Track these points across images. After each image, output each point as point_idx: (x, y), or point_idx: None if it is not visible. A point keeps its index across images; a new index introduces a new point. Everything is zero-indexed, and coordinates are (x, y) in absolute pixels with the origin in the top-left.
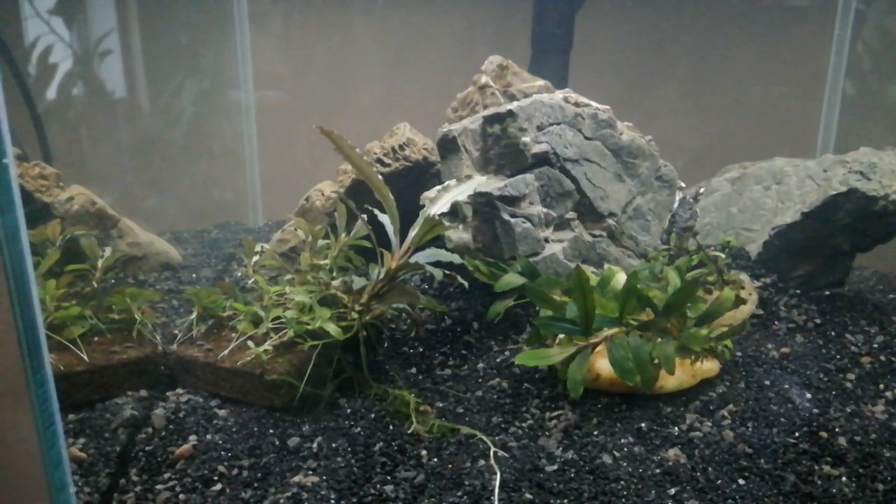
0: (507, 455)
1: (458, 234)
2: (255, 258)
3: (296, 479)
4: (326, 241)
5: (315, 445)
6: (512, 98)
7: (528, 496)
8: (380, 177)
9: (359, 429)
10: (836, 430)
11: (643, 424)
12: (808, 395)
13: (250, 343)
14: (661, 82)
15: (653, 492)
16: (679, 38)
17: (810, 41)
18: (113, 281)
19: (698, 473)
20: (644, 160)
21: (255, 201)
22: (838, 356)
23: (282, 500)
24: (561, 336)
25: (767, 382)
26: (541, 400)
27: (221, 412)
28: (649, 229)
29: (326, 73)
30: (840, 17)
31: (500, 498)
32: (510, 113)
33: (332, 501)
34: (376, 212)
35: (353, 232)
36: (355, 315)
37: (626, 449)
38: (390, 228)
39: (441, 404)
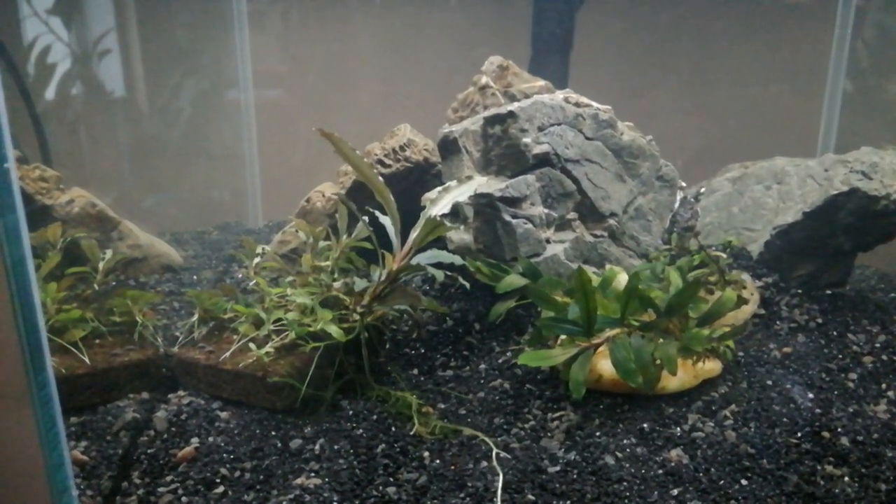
0: (509, 456)
1: (460, 235)
2: (256, 260)
3: (298, 481)
4: (327, 243)
5: (317, 447)
6: (512, 99)
7: (531, 497)
8: (380, 178)
9: (361, 430)
10: (839, 429)
11: (645, 425)
12: (811, 395)
13: (252, 345)
14: (661, 82)
15: (655, 493)
16: (679, 38)
17: (811, 39)
18: (114, 283)
19: (701, 474)
20: (645, 160)
21: (255, 202)
22: (840, 356)
23: (284, 503)
24: (563, 337)
25: (769, 382)
26: (543, 401)
27: (223, 414)
28: (650, 229)
29: (326, 72)
30: (840, 16)
31: (503, 499)
32: (511, 114)
33: (335, 503)
34: (377, 213)
35: (354, 233)
36: (357, 317)
37: (628, 450)
38: (391, 230)
39: (443, 405)
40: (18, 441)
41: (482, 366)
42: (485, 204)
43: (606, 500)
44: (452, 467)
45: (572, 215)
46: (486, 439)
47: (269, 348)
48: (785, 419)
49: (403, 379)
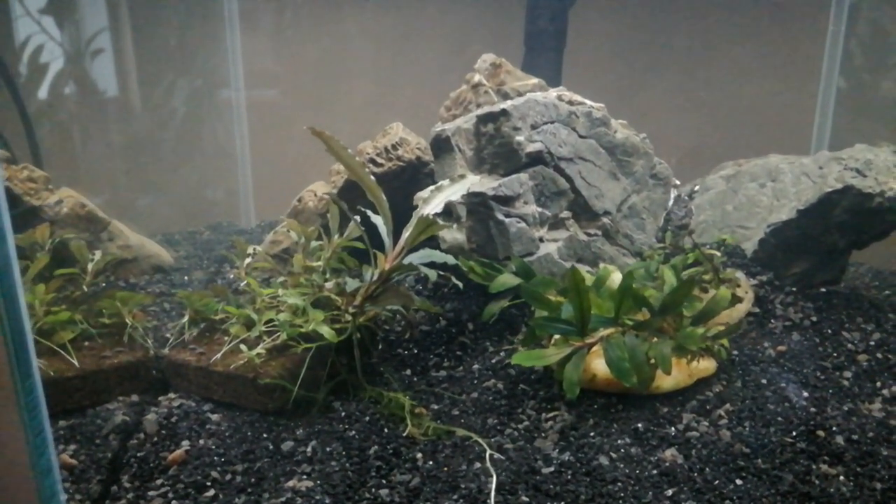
0: (502, 457)
1: (453, 234)
2: (248, 260)
3: (290, 483)
4: (319, 243)
5: (309, 449)
6: (505, 97)
7: (525, 499)
8: (372, 177)
9: (353, 432)
10: (834, 428)
11: (640, 425)
12: (805, 394)
13: (243, 346)
14: (655, 80)
15: (650, 493)
16: (673, 36)
17: (805, 37)
18: (104, 284)
19: (695, 474)
20: (639, 158)
21: (247, 202)
22: (835, 354)
23: None
24: (556, 336)
25: (764, 381)
26: (537, 401)
27: (214, 416)
28: (644, 228)
29: (319, 72)
30: (834, 13)
31: (497, 501)
32: (504, 112)
33: None
34: (369, 213)
35: (346, 233)
36: (349, 317)
37: (622, 450)
38: (383, 229)
39: (436, 406)
40: (5, 446)
41: (475, 366)
42: (478, 203)
43: (601, 500)
44: (446, 469)
45: (566, 214)
46: (480, 440)
47: (260, 349)
48: (780, 418)
49: (396, 380)
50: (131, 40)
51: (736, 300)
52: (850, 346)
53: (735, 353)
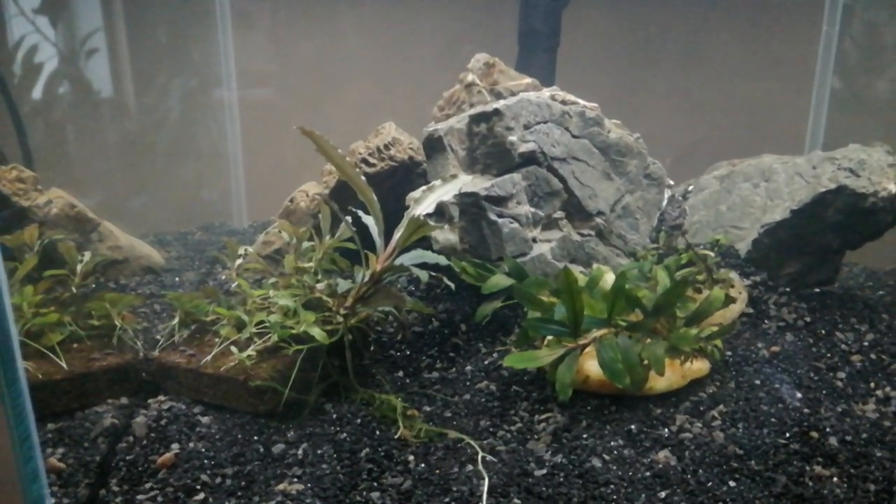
0: (495, 459)
1: (445, 234)
2: (239, 261)
3: (280, 486)
4: (311, 244)
5: (300, 452)
6: (499, 96)
7: (517, 501)
8: (363, 178)
9: (345, 434)
10: (827, 429)
11: (633, 426)
12: (799, 395)
13: (233, 348)
14: (650, 80)
15: (643, 495)
16: (667, 35)
17: (799, 37)
18: (94, 286)
19: (689, 476)
20: (632, 158)
21: (239, 202)
22: (829, 355)
23: None
24: (549, 338)
25: (758, 382)
26: (530, 402)
27: (204, 419)
28: (638, 228)
29: (313, 71)
30: (828, 13)
31: (489, 503)
32: (496, 112)
33: None
34: (360, 213)
35: (338, 234)
36: (340, 319)
37: (615, 452)
38: (374, 230)
39: (428, 408)
40: None
41: (468, 367)
42: (470, 203)
43: (593, 503)
44: (437, 471)
45: (559, 214)
46: (472, 442)
47: (250, 351)
48: (773, 419)
49: (388, 381)
50: (124, 40)
51: (729, 301)
52: (843, 346)
53: (729, 353)
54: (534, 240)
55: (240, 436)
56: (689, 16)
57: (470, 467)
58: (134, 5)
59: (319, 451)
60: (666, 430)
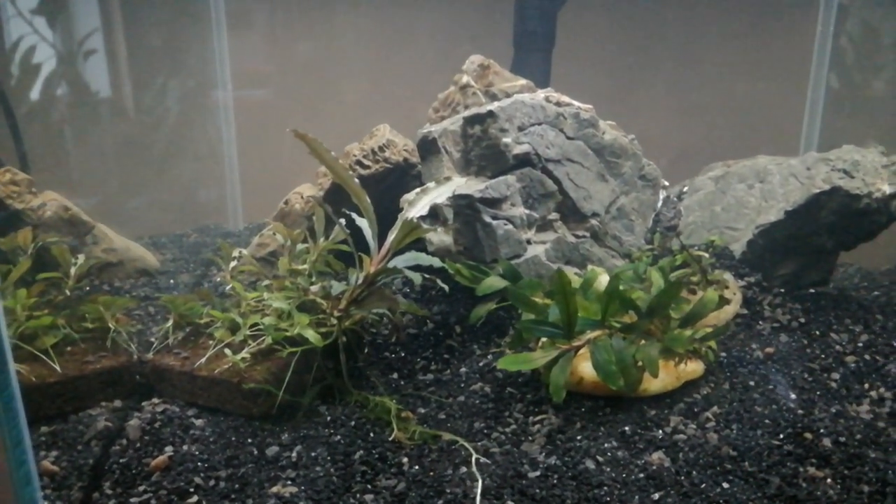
0: (489, 461)
1: (440, 236)
2: (233, 264)
3: (274, 489)
4: (305, 246)
5: (294, 454)
6: (493, 98)
7: (510, 503)
8: (356, 180)
9: (339, 437)
10: (821, 430)
11: (627, 428)
12: (793, 396)
13: (227, 351)
14: (645, 80)
15: (636, 497)
16: (663, 36)
17: (794, 37)
18: (88, 288)
19: (682, 477)
20: (627, 159)
21: (235, 204)
22: (823, 355)
23: None
24: (544, 339)
25: (752, 383)
26: (524, 404)
27: (198, 422)
28: (633, 229)
29: (308, 72)
30: (822, 13)
31: None
32: (490, 113)
33: None
34: (354, 216)
35: (332, 236)
36: (334, 321)
37: (609, 453)
38: (368, 233)
39: (423, 410)
40: None
41: (463, 369)
42: (464, 205)
43: None
44: (431, 473)
45: (554, 216)
46: (466, 444)
47: (244, 354)
48: (767, 420)
49: (383, 383)
50: (119, 42)
51: (723, 302)
52: (837, 347)
53: (723, 354)
54: (528, 241)
55: (234, 438)
56: (684, 17)
57: (464, 469)
58: (129, 7)
59: (313, 454)
60: (660, 431)
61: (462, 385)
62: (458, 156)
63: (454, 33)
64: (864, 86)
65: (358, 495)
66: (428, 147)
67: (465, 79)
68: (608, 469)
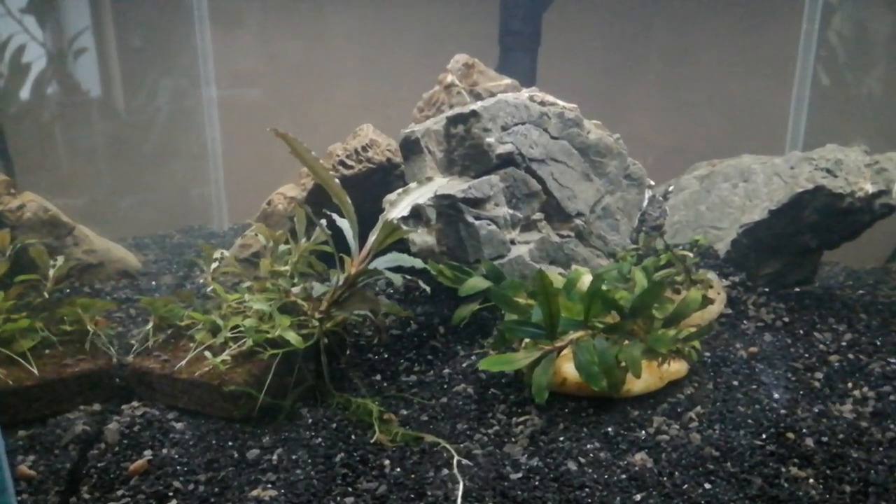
0: (470, 463)
1: (423, 237)
2: (214, 265)
3: (254, 492)
4: (287, 247)
5: (275, 457)
6: (478, 97)
7: None
8: (337, 181)
9: (320, 439)
10: (804, 430)
11: (610, 429)
12: (776, 396)
13: (208, 353)
14: (632, 80)
15: (618, 498)
16: (650, 36)
17: (779, 37)
18: (68, 290)
19: (664, 478)
20: (612, 159)
21: (219, 205)
22: (806, 355)
23: None
24: (527, 340)
25: (735, 383)
26: (507, 405)
27: (178, 425)
28: (619, 228)
29: (295, 71)
30: (808, 12)
31: None
32: (473, 113)
33: None
34: (335, 216)
35: (313, 237)
36: (316, 322)
37: (591, 455)
38: (349, 233)
39: (405, 412)
40: None
41: (446, 370)
42: (447, 205)
43: None
44: (413, 476)
45: (538, 215)
46: (448, 446)
47: (225, 356)
48: (750, 420)
49: (366, 385)
50: (102, 41)
51: (707, 301)
52: (821, 346)
53: (707, 354)
54: (512, 241)
55: (214, 442)
56: (670, 16)
57: (445, 471)
58: (113, 7)
59: (294, 457)
60: (643, 432)
61: (445, 386)
62: (441, 156)
63: (443, 32)
64: (849, 84)
65: (338, 498)
66: (410, 147)
67: (449, 78)
68: (590, 470)
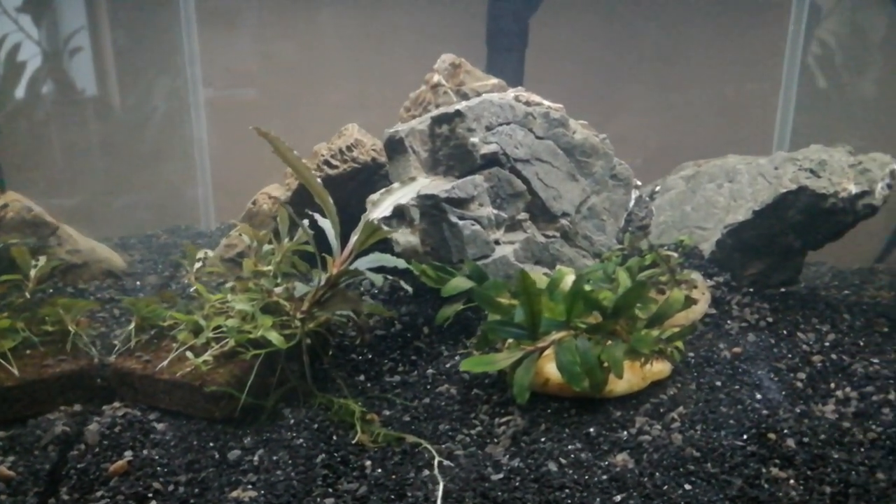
0: (452, 464)
1: (406, 237)
2: (198, 265)
3: (234, 494)
4: (271, 247)
5: (256, 458)
6: (465, 97)
7: None
8: (319, 180)
9: (301, 440)
10: (785, 431)
11: (592, 429)
12: (759, 396)
13: (189, 353)
14: (621, 81)
15: (598, 499)
16: (638, 37)
17: (767, 37)
18: (51, 290)
19: (645, 479)
20: (598, 159)
21: (207, 204)
22: (790, 355)
23: None
24: (510, 340)
25: (718, 383)
26: (490, 406)
27: (160, 426)
28: (605, 229)
29: (285, 71)
30: (794, 14)
31: None
32: (458, 113)
33: None
34: (317, 216)
35: (296, 237)
36: (298, 323)
37: (573, 455)
38: (331, 233)
39: (388, 412)
40: None
41: (430, 370)
42: (431, 205)
43: None
44: (394, 476)
45: (523, 216)
46: (429, 447)
47: (207, 357)
48: (732, 421)
49: (349, 385)
50: (88, 41)
51: (690, 301)
52: (804, 347)
53: (691, 354)
54: (497, 242)
55: (195, 442)
56: (659, 17)
57: (426, 472)
58: (101, 9)
59: (275, 457)
60: (625, 432)
61: (429, 386)
62: (425, 155)
63: (436, 32)
64: (836, 85)
65: (318, 499)
66: (395, 147)
67: (436, 78)
68: (571, 471)
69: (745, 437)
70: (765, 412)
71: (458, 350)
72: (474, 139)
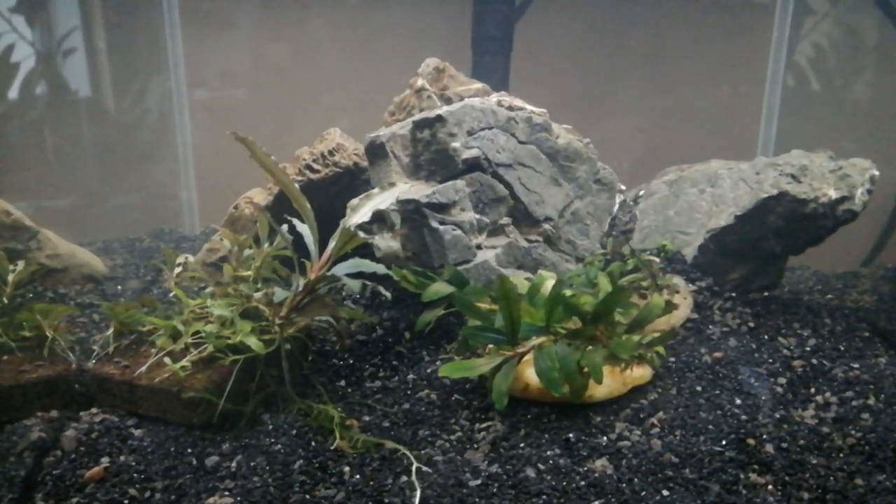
0: (430, 470)
1: (387, 242)
2: (178, 270)
3: (211, 500)
4: (251, 252)
5: (234, 464)
6: (448, 101)
7: None
8: (297, 185)
9: (279, 446)
10: (764, 436)
11: (571, 435)
12: (739, 401)
13: (167, 359)
14: (607, 85)
15: None
16: (625, 42)
17: (750, 42)
18: (30, 295)
19: (624, 485)
20: (582, 163)
21: (191, 208)
22: (770, 360)
23: None
24: (490, 346)
25: (699, 388)
26: (471, 411)
27: (137, 432)
28: (588, 233)
29: (272, 73)
30: (778, 20)
31: None
32: (439, 118)
33: None
34: (296, 222)
35: (276, 243)
36: (278, 328)
37: (551, 461)
38: (309, 239)
39: (368, 418)
40: None
41: (411, 376)
42: (411, 210)
43: None
44: (371, 483)
45: (505, 220)
46: (408, 453)
47: (185, 362)
48: (711, 426)
49: (329, 391)
50: (86, 42)
51: (671, 307)
52: (785, 351)
53: (672, 359)
54: (478, 246)
55: (173, 448)
56: (644, 23)
57: (405, 478)
58: (83, 7)
59: (252, 464)
60: (604, 438)
61: (409, 392)
62: (407, 160)
63: (424, 35)
64: (820, 89)
65: None
66: (376, 151)
67: (420, 82)
68: (549, 477)
69: (723, 442)
70: (744, 417)
71: (440, 355)
72: (456, 144)
